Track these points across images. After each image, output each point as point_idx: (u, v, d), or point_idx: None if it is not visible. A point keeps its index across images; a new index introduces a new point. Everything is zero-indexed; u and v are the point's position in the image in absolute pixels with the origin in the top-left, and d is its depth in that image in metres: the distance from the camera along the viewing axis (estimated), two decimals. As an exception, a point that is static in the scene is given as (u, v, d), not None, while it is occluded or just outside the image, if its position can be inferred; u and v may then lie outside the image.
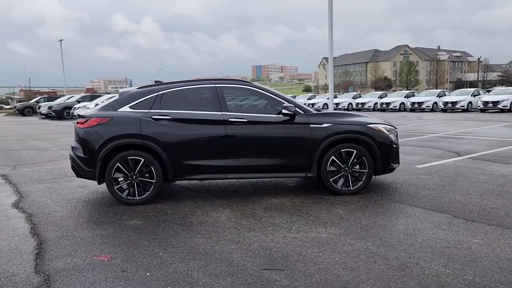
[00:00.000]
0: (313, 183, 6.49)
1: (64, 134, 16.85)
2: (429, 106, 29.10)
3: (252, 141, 5.63)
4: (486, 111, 25.45)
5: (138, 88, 5.90)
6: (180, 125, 5.54)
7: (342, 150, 5.70)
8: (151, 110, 5.58)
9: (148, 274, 3.43)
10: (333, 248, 3.89)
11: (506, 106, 24.17)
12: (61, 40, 45.97)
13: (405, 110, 30.91)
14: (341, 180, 5.76)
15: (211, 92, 5.74)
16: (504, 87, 43.78)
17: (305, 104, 24.61)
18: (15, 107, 43.70)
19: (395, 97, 32.75)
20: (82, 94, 36.86)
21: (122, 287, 3.22)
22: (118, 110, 5.61)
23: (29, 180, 7.46)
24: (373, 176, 6.52)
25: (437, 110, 29.03)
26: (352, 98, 36.58)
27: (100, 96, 32.57)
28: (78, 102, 29.65)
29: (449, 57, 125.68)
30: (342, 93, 55.00)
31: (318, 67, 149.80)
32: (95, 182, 5.65)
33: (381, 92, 38.31)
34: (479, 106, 25.82)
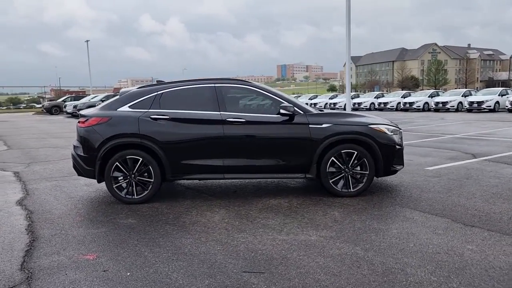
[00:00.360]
0: (315, 185, 6.39)
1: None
2: (453, 106, 28.31)
3: (250, 141, 5.58)
4: (514, 111, 24.58)
5: (138, 88, 5.94)
6: (178, 125, 5.54)
7: (342, 151, 5.59)
8: (149, 110, 5.60)
9: (128, 274, 3.44)
10: (320, 251, 3.80)
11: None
12: (87, 41, 46.97)
13: (429, 110, 30.17)
14: (341, 182, 5.65)
15: (210, 92, 5.72)
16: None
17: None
18: (43, 106, 44.97)
19: (419, 97, 31.99)
20: (106, 94, 37.58)
21: (100, 286, 3.23)
22: (117, 110, 5.66)
23: (38, 177, 7.63)
24: (378, 178, 6.42)
25: (462, 110, 28.22)
26: (375, 97, 35.95)
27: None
28: (102, 101, 30.21)
29: (479, 55, 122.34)
30: (365, 93, 54.30)
31: (344, 66, 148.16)
32: None
33: (404, 92, 37.52)
34: (506, 106, 24.96)
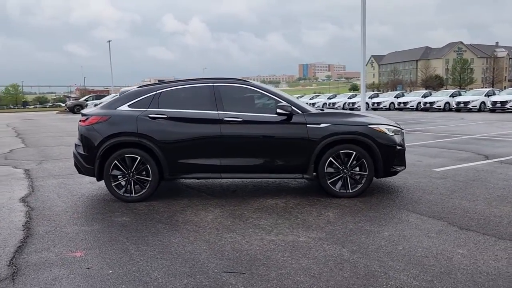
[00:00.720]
0: (316, 185, 6.31)
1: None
2: (476, 106, 27.61)
3: (247, 140, 5.55)
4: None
5: (138, 87, 5.99)
6: (175, 124, 5.57)
7: (341, 152, 5.50)
8: (148, 109, 5.64)
9: (110, 271, 3.46)
10: (305, 253, 3.75)
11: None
12: (109, 41, 47.84)
13: (450, 110, 29.49)
14: (340, 182, 5.56)
15: (208, 91, 5.72)
16: None
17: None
18: (66, 105, 46.01)
19: (440, 96, 31.29)
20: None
21: (80, 283, 3.27)
22: (117, 109, 5.72)
23: (47, 175, 7.80)
24: (381, 179, 6.32)
25: (485, 110, 27.49)
26: (394, 97, 35.34)
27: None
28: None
29: (508, 53, 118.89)
30: (387, 92, 53.46)
31: (366, 65, 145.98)
32: None
33: (425, 91, 36.78)
34: (531, 106, 24.20)
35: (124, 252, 3.88)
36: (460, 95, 30.94)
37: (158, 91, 5.76)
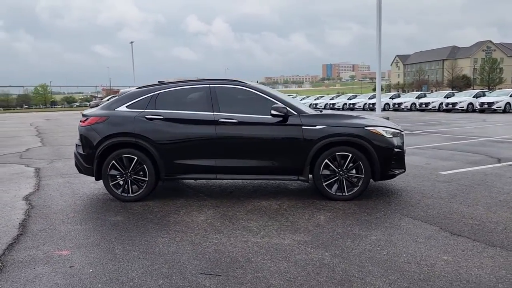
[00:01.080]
0: (314, 187, 6.24)
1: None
2: (500, 107, 26.78)
3: (242, 142, 5.55)
4: None
5: (137, 88, 6.07)
6: (171, 125, 5.61)
7: (337, 154, 5.44)
8: (145, 110, 5.71)
9: (91, 270, 3.52)
10: (286, 256, 3.72)
11: None
12: (132, 42, 48.68)
13: (473, 111, 28.70)
14: (336, 185, 5.50)
15: (204, 92, 5.75)
16: None
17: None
18: (89, 104, 47.06)
19: (463, 97, 30.49)
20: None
21: (60, 281, 3.33)
22: (115, 110, 5.81)
23: (55, 174, 7.98)
24: (382, 182, 6.22)
25: (510, 111, 26.67)
26: (416, 97, 34.65)
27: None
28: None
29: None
30: (412, 92, 52.52)
31: (391, 65, 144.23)
32: None
33: (447, 91, 35.93)
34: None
35: (108, 251, 3.94)
36: (484, 95, 30.08)
37: (156, 92, 5.83)
